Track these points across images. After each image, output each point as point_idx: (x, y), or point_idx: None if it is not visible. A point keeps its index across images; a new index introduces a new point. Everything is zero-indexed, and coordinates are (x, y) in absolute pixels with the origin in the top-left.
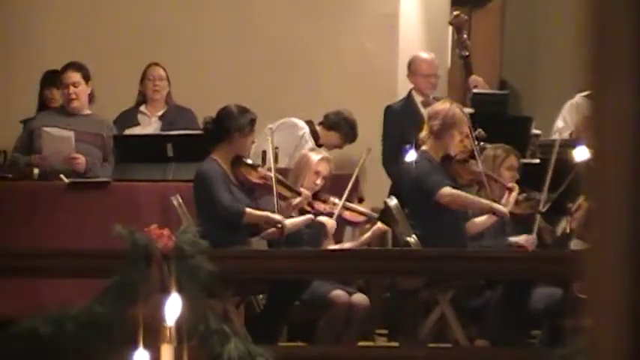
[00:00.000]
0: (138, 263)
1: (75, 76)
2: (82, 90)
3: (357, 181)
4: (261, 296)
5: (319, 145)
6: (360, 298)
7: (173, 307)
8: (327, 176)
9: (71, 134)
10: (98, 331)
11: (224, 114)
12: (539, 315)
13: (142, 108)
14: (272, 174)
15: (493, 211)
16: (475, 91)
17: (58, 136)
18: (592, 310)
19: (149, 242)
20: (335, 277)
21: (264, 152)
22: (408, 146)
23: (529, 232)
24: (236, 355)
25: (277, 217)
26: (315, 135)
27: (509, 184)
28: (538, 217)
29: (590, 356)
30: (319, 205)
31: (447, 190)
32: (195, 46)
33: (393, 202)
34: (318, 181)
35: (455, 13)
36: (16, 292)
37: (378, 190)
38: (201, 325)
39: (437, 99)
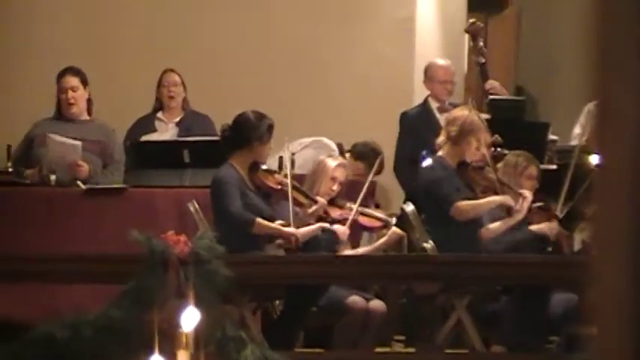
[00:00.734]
0: (155, 269)
1: (73, 81)
2: (81, 95)
3: (373, 187)
4: (277, 302)
5: None
6: (377, 304)
7: (189, 313)
8: (344, 182)
9: (79, 144)
10: (114, 337)
11: (242, 122)
12: (557, 320)
13: (159, 114)
14: (288, 180)
15: (501, 204)
16: (492, 97)
17: (66, 143)
18: (596, 317)
19: (166, 248)
20: (351, 282)
21: (280, 158)
22: (425, 152)
23: (545, 239)
24: None
25: (289, 230)
26: None
27: (521, 191)
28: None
29: None
30: (335, 211)
31: (459, 205)
32: (212, 53)
33: (409, 207)
34: (335, 187)
35: (471, 20)
36: (33, 297)
37: (395, 196)
38: (218, 331)
39: (453, 105)
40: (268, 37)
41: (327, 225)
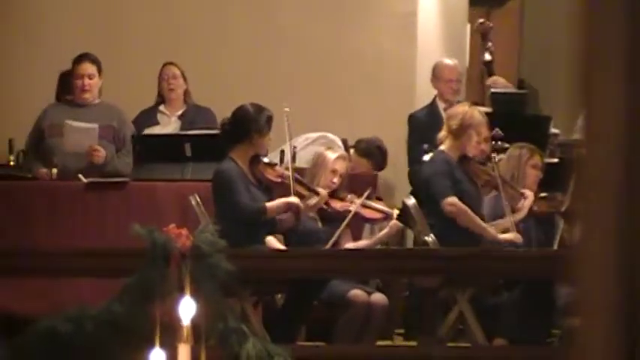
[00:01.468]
0: (156, 263)
1: (90, 68)
2: (95, 82)
3: (375, 180)
4: (279, 295)
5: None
6: (378, 297)
7: (190, 307)
8: (344, 174)
9: (95, 127)
10: (117, 331)
11: (241, 114)
12: (559, 314)
13: (162, 107)
14: (289, 173)
15: (498, 242)
16: (494, 90)
17: (83, 128)
18: (580, 309)
19: (168, 242)
20: (353, 276)
21: (282, 152)
22: (425, 146)
23: (551, 231)
24: (254, 354)
25: (294, 199)
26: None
27: (523, 191)
28: (561, 218)
29: (580, 355)
30: (336, 203)
31: (452, 199)
32: (215, 46)
33: (411, 201)
34: (335, 180)
35: (480, 20)
36: (35, 291)
37: (397, 190)
38: (220, 324)
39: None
40: (271, 32)
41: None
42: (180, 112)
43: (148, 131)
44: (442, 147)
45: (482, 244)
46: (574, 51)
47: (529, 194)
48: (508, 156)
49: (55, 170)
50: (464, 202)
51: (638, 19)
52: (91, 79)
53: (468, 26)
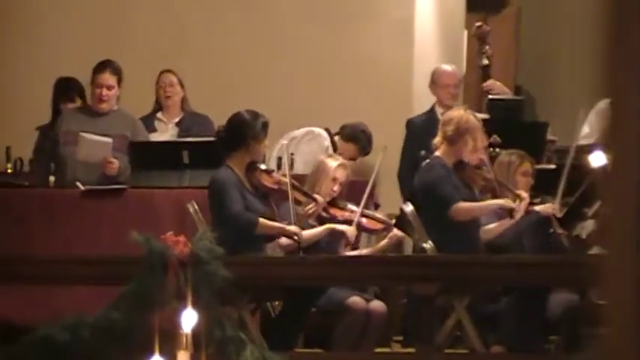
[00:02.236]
0: (154, 270)
1: (111, 79)
2: (114, 93)
3: (373, 187)
4: (277, 303)
5: None
6: (377, 304)
7: (189, 314)
8: (344, 182)
9: (109, 140)
10: (114, 338)
11: (237, 121)
12: (557, 321)
13: (159, 115)
14: (287, 179)
15: (501, 207)
16: (491, 96)
17: (97, 141)
18: (610, 316)
19: (165, 249)
20: (351, 283)
21: (279, 159)
22: (423, 152)
23: (546, 236)
24: None
25: (293, 229)
26: (333, 145)
27: (518, 192)
28: (554, 220)
29: None
30: (336, 212)
31: (459, 206)
32: (213, 53)
33: (409, 208)
34: (335, 188)
35: (477, 24)
36: (33, 299)
37: (395, 197)
38: (217, 332)
39: None
40: (268, 38)
41: (334, 226)
42: (177, 120)
43: None
44: (437, 153)
45: (483, 248)
46: (598, 52)
47: (525, 196)
48: (498, 163)
49: (52, 178)
50: None
51: None
52: (109, 89)
53: (465, 32)
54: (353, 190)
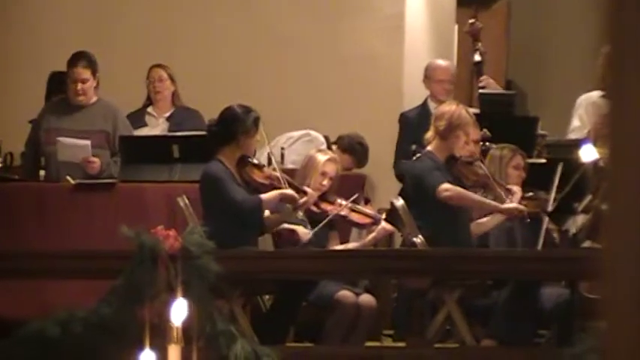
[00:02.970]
0: (145, 264)
1: (84, 73)
2: (90, 85)
3: (362, 182)
4: (267, 297)
5: None
6: (367, 298)
7: (179, 308)
8: (334, 177)
9: (87, 143)
10: (105, 332)
11: (228, 116)
12: (548, 314)
13: (150, 109)
14: (277, 174)
15: (500, 212)
16: (482, 91)
17: (75, 145)
18: (607, 311)
19: (156, 243)
20: (341, 277)
21: (269, 154)
22: (414, 147)
23: (536, 231)
24: (242, 355)
25: (288, 190)
26: None
27: (510, 186)
28: (546, 217)
29: (605, 357)
30: (326, 206)
31: (447, 185)
32: (203, 48)
33: (399, 202)
34: (325, 182)
35: (470, 21)
36: (24, 294)
37: (385, 191)
38: (208, 325)
39: None
40: (258, 33)
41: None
42: (168, 114)
43: (136, 133)
44: (429, 147)
45: (472, 245)
46: (602, 42)
47: (517, 190)
48: (490, 158)
49: (42, 172)
50: (452, 205)
51: None
52: (84, 83)
53: (456, 27)
54: (343, 184)
